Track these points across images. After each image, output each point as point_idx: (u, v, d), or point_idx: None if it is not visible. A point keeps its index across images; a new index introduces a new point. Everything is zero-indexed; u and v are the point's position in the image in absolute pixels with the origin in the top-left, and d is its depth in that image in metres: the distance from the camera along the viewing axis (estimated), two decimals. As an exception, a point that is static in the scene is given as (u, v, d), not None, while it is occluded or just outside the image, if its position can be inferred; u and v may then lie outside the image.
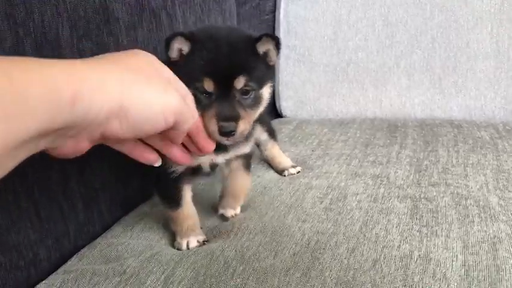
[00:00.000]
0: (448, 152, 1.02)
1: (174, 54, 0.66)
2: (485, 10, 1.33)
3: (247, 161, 0.80)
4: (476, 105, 1.35)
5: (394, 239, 0.67)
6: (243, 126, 0.64)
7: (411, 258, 0.62)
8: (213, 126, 0.63)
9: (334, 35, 1.41)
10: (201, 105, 0.63)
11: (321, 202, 0.81)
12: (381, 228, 0.71)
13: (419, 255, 0.63)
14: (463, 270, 0.59)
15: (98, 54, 0.83)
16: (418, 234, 0.69)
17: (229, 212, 0.80)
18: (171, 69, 0.57)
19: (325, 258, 0.63)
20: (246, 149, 0.76)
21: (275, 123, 1.31)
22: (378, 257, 0.63)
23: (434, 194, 0.82)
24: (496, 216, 0.73)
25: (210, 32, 0.68)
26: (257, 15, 1.47)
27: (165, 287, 0.62)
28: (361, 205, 0.79)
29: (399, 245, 0.66)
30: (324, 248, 0.66)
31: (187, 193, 0.76)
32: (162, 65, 0.56)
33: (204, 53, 0.65)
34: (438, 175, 0.90)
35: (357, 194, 0.83)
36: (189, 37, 0.65)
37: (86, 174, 0.79)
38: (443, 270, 0.59)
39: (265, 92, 0.69)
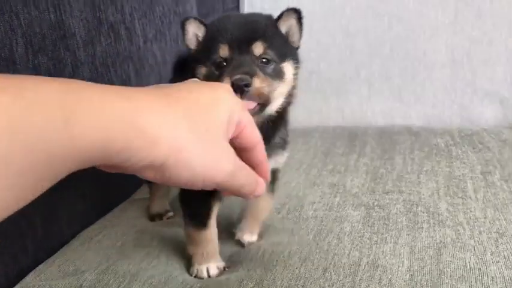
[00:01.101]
0: (404, 160, 1.05)
1: (191, 42, 0.64)
2: (441, 21, 1.39)
3: (273, 182, 0.73)
4: (434, 112, 1.40)
5: (345, 246, 0.70)
6: (259, 83, 0.57)
7: (359, 265, 0.64)
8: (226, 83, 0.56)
9: (296, 46, 1.44)
10: (217, 75, 0.58)
11: (279, 212, 0.83)
12: (333, 237, 0.73)
13: (367, 262, 0.65)
14: (408, 275, 0.62)
15: (54, 70, 0.83)
16: (368, 241, 0.71)
17: (247, 238, 0.75)
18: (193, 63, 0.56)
19: (278, 269, 0.65)
20: (282, 158, 0.71)
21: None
22: (328, 265, 0.65)
23: (388, 201, 0.85)
24: (444, 222, 0.76)
25: (226, 14, 0.67)
26: (220, 26, 1.49)
27: (120, 301, 0.62)
28: (317, 214, 0.81)
29: (349, 252, 0.68)
30: (277, 260, 0.67)
31: (215, 213, 0.69)
32: (237, 105, 0.45)
33: (221, 25, 0.62)
34: (393, 183, 0.93)
35: (314, 203, 0.86)
36: (202, 21, 0.64)
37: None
38: (389, 276, 0.62)
39: (288, 68, 0.63)
